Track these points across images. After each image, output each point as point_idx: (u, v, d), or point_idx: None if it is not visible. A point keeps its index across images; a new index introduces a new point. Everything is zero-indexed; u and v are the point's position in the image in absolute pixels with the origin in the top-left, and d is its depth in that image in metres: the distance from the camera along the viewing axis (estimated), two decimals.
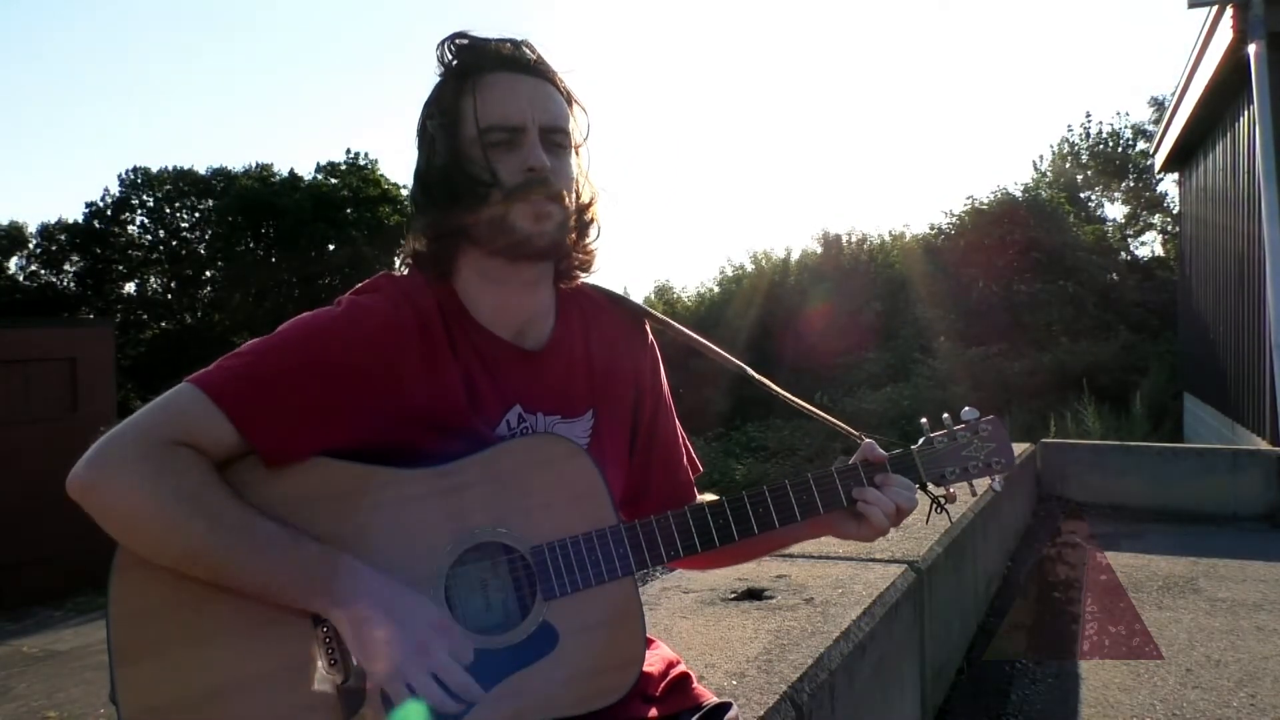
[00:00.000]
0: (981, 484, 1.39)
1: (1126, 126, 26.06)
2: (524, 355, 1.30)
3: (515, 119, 1.23)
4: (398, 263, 1.34)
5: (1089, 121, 28.33)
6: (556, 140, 1.26)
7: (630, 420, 1.41)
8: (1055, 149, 26.64)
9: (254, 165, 32.46)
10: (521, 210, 1.22)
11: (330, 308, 1.24)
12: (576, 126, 1.32)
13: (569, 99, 1.30)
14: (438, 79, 1.28)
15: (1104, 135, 26.09)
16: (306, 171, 31.26)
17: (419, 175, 1.28)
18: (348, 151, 33.28)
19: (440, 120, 1.25)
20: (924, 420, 1.41)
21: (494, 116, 1.22)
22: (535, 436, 1.26)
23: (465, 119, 1.23)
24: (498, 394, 1.27)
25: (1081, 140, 26.20)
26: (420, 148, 1.28)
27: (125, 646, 1.09)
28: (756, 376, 1.54)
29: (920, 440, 1.39)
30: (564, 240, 1.28)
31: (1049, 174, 25.89)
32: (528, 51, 1.27)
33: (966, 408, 1.40)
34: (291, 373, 1.16)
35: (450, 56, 1.26)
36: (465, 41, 1.26)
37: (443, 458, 1.20)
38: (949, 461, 1.37)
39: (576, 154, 1.32)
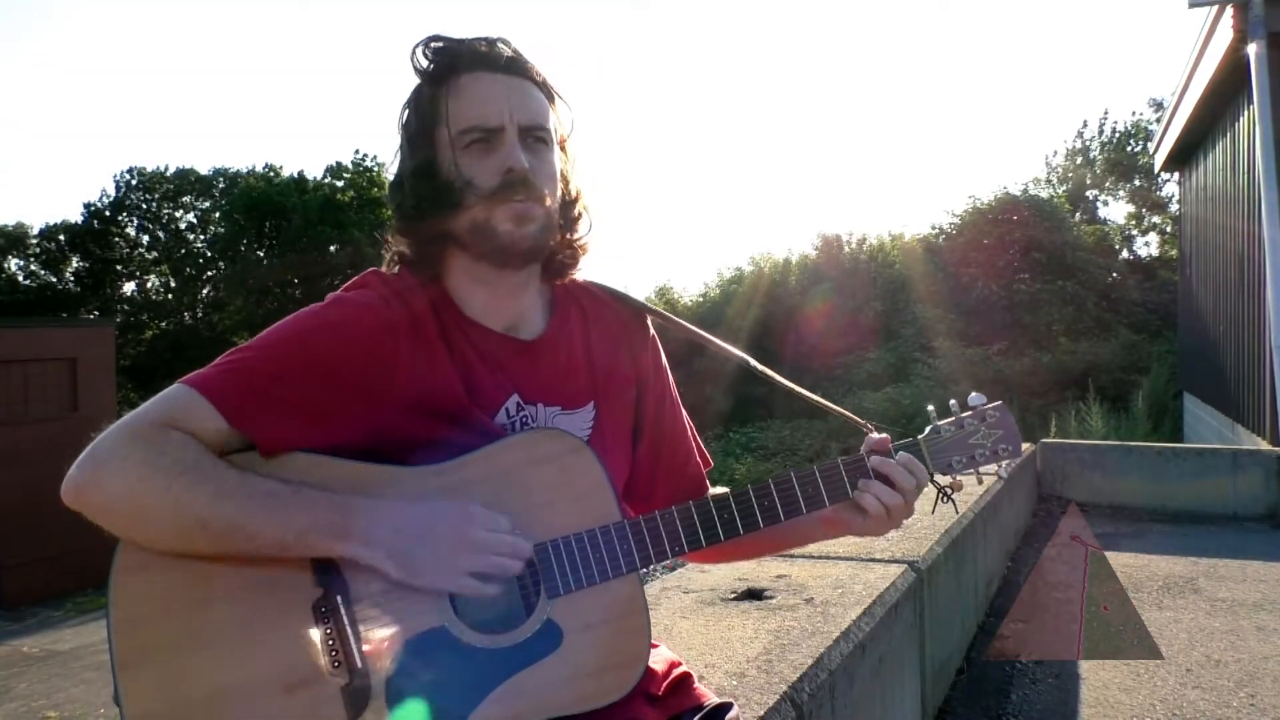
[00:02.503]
0: (988, 471, 1.37)
1: (1131, 124, 26.13)
2: (520, 345, 1.30)
3: (493, 119, 1.22)
4: (384, 263, 1.33)
5: (1105, 118, 28.43)
6: (537, 137, 1.25)
7: (632, 415, 1.41)
8: (1070, 146, 26.71)
9: (258, 166, 32.53)
10: (502, 213, 1.21)
11: (319, 304, 1.24)
12: (559, 122, 1.31)
13: (549, 95, 1.29)
14: (415, 83, 1.27)
15: (1115, 134, 26.16)
16: (313, 174, 31.39)
17: (399, 180, 1.27)
18: (356, 152, 33.39)
19: (418, 125, 1.24)
20: (931, 408, 1.39)
21: (471, 118, 1.21)
22: (536, 432, 1.26)
23: (442, 122, 1.22)
24: (495, 383, 1.27)
25: (1095, 138, 26.26)
26: (400, 152, 1.28)
27: (127, 651, 1.09)
28: (760, 368, 1.53)
29: (927, 429, 1.37)
30: (548, 241, 1.27)
31: (1059, 170, 25.93)
32: (503, 49, 1.25)
33: (973, 394, 1.38)
34: (281, 367, 1.16)
35: (425, 61, 1.25)
36: (439, 44, 1.25)
37: (444, 451, 1.19)
38: (956, 450, 1.36)
39: (562, 149, 1.32)
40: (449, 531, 1.12)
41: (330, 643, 1.12)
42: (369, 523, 1.11)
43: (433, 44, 1.25)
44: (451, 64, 1.24)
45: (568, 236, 1.33)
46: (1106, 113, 37.02)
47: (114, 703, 1.09)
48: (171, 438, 1.11)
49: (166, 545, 1.10)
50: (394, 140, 1.29)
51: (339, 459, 1.17)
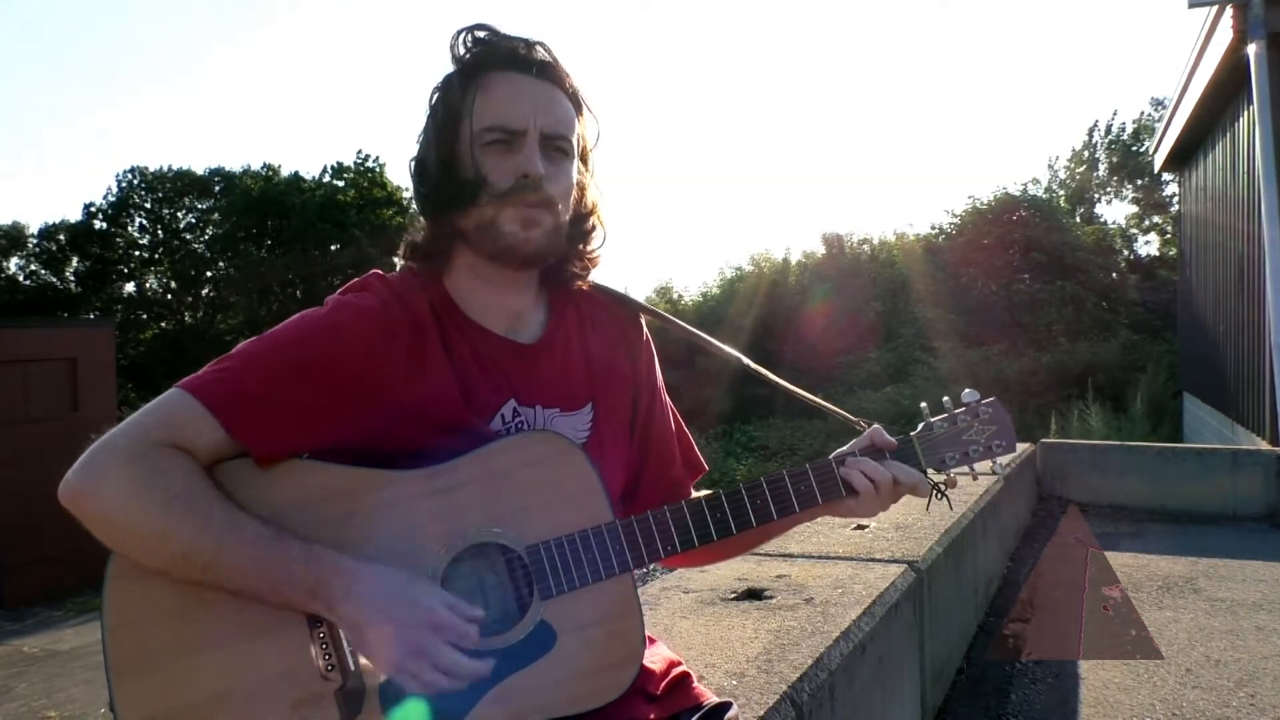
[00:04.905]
0: (983, 467, 1.37)
1: (1135, 123, 26.15)
2: (519, 349, 1.30)
3: (516, 122, 1.22)
4: (397, 259, 1.34)
5: (1114, 118, 28.50)
6: (558, 146, 1.25)
7: (629, 414, 1.41)
8: (1075, 148, 26.75)
9: (253, 166, 32.58)
10: (510, 215, 1.22)
11: (318, 308, 1.24)
12: (584, 133, 1.31)
13: (578, 105, 1.29)
14: (450, 69, 1.27)
15: (1114, 133, 26.18)
16: (310, 173, 31.45)
17: (418, 166, 1.27)
18: (358, 153, 33.37)
19: (443, 114, 1.24)
20: (924, 405, 1.39)
21: (495, 117, 1.22)
22: (529, 434, 1.26)
23: (466, 117, 1.22)
24: (493, 388, 1.27)
25: (1101, 139, 26.30)
26: (422, 138, 1.28)
27: (121, 657, 1.09)
28: (755, 368, 1.53)
29: (920, 425, 1.37)
30: (553, 248, 1.27)
31: (1061, 173, 25.94)
32: (541, 53, 1.25)
33: (967, 390, 1.37)
34: (279, 372, 1.16)
35: (463, 50, 1.25)
36: (481, 35, 1.25)
37: (439, 455, 1.19)
38: (949, 446, 1.35)
39: (583, 161, 1.32)
40: (412, 631, 1.07)
41: (324, 646, 1.11)
42: (342, 585, 1.08)
43: (475, 33, 1.25)
44: (486, 59, 1.24)
45: (580, 248, 1.33)
46: (1116, 113, 37.17)
47: (109, 709, 1.09)
48: (167, 460, 1.10)
49: (152, 567, 1.10)
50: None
51: (334, 464, 1.17)
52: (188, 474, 1.10)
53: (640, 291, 25.73)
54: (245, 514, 1.11)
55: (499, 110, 1.22)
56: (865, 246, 23.70)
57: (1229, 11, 7.36)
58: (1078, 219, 22.65)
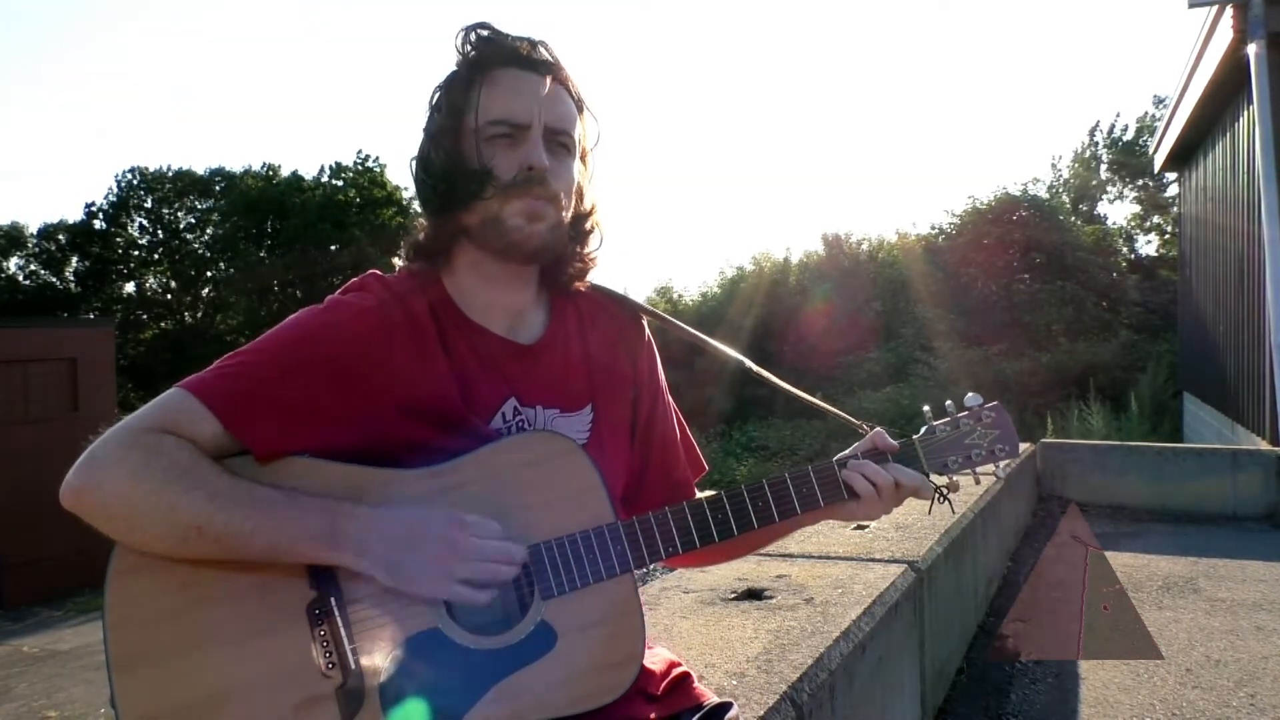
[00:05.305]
0: (985, 472, 1.36)
1: (1136, 121, 26.15)
2: (519, 349, 1.30)
3: (521, 116, 1.22)
4: (397, 260, 1.34)
5: (1116, 119, 28.53)
6: (561, 142, 1.26)
7: (630, 415, 1.41)
8: (1078, 151, 26.73)
9: (253, 166, 32.62)
10: (516, 207, 1.22)
11: (316, 306, 1.24)
12: (585, 133, 1.32)
13: (580, 105, 1.30)
14: (453, 67, 1.27)
15: (1123, 135, 26.18)
16: (310, 173, 31.47)
17: (421, 161, 1.28)
18: (358, 153, 33.36)
19: (448, 109, 1.25)
20: (927, 408, 1.39)
21: (500, 111, 1.22)
22: (531, 434, 1.26)
23: (471, 111, 1.23)
24: (493, 388, 1.27)
25: (1103, 140, 26.30)
26: (425, 134, 1.28)
27: (122, 654, 1.09)
28: (755, 368, 1.53)
29: (923, 429, 1.36)
30: (556, 243, 1.27)
31: (1065, 173, 25.93)
32: (544, 52, 1.27)
33: (970, 394, 1.37)
34: (279, 370, 1.16)
35: (468, 47, 1.26)
36: (485, 33, 1.26)
37: (440, 455, 1.19)
38: (952, 450, 1.35)
39: (582, 161, 1.32)
40: (439, 539, 1.12)
41: (325, 644, 1.11)
42: (360, 530, 1.11)
43: (478, 31, 1.26)
44: (491, 55, 1.24)
45: (578, 249, 1.33)
46: (1119, 115, 37.23)
47: (110, 706, 1.09)
48: (167, 442, 1.11)
49: (162, 549, 1.10)
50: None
51: (334, 463, 1.17)
52: (188, 452, 1.11)
53: (640, 292, 25.78)
54: (251, 480, 1.12)
55: (504, 104, 1.22)
56: (865, 246, 23.72)
57: (1229, 11, 7.36)
58: (1078, 220, 22.64)
